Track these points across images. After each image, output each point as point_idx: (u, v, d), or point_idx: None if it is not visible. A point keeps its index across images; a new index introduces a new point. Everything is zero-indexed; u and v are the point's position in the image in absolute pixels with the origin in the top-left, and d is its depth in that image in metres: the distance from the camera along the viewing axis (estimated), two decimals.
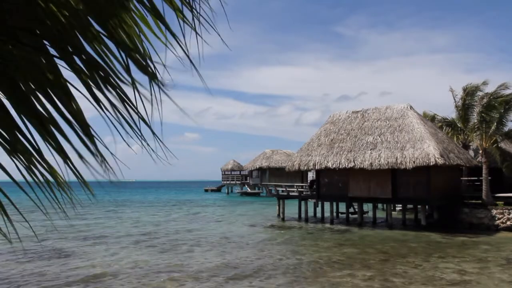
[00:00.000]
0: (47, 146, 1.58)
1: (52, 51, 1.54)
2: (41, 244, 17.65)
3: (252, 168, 62.08)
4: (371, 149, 23.98)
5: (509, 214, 21.81)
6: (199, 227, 24.12)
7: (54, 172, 1.61)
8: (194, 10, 1.56)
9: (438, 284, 11.29)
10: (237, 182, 68.89)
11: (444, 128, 28.75)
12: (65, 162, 1.60)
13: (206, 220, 28.62)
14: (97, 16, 1.54)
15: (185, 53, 1.59)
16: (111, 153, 1.63)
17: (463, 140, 27.67)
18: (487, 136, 23.50)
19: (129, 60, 1.60)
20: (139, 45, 1.60)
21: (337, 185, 25.76)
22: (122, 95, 1.60)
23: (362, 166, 23.52)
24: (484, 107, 23.32)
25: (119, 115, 1.60)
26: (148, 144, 1.62)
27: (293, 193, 29.09)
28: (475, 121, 24.30)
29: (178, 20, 1.56)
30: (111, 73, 1.59)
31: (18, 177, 1.57)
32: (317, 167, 25.68)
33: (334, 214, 27.10)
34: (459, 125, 26.97)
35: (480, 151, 24.30)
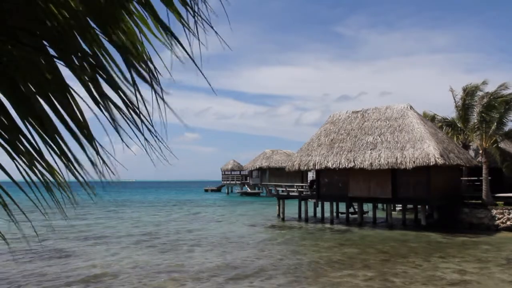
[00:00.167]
0: (47, 147, 1.58)
1: (52, 52, 1.54)
2: (42, 244, 17.65)
3: (252, 168, 62.09)
4: (371, 149, 23.98)
5: (509, 214, 21.81)
6: (199, 227, 24.12)
7: (55, 172, 1.61)
8: (194, 11, 1.56)
9: (438, 284, 11.29)
10: (237, 182, 68.90)
11: (444, 128, 28.75)
12: (66, 162, 1.60)
13: (206, 220, 28.63)
14: (96, 18, 1.54)
15: (188, 54, 1.59)
16: (110, 154, 1.63)
17: (463, 140, 27.67)
18: (487, 136, 23.50)
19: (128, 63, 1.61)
20: (139, 46, 1.60)
21: (337, 185, 25.77)
22: (124, 97, 1.60)
23: (362, 166, 23.53)
24: (484, 107, 23.33)
25: (120, 116, 1.61)
26: (152, 146, 1.62)
27: (293, 193, 29.09)
28: (475, 121, 24.30)
29: (183, 20, 1.56)
30: (112, 74, 1.59)
31: (18, 177, 1.57)
32: (317, 167, 25.69)
33: (334, 214, 27.10)
34: (459, 125, 26.97)
35: (480, 151, 24.30)
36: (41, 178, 1.59)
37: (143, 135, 1.62)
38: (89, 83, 1.59)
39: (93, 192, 1.65)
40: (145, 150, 1.63)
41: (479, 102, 24.10)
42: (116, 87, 1.58)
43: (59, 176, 1.62)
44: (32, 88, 1.53)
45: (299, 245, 18.49)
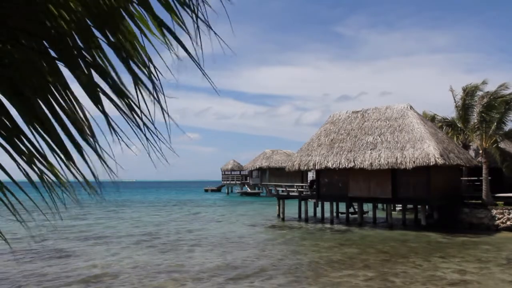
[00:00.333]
0: (48, 147, 1.59)
1: (52, 52, 1.55)
2: (42, 244, 17.66)
3: (252, 168, 62.09)
4: (371, 149, 23.99)
5: (509, 214, 21.81)
6: (199, 227, 24.13)
7: (56, 172, 1.62)
8: (196, 14, 1.57)
9: (439, 284, 11.30)
10: (237, 182, 68.90)
11: (444, 128, 28.75)
12: (67, 162, 1.61)
13: (206, 220, 28.64)
14: (96, 19, 1.55)
15: (191, 56, 1.60)
16: (109, 155, 1.64)
17: (463, 140, 27.67)
18: (487, 136, 23.50)
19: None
20: (138, 47, 1.61)
21: (337, 185, 25.77)
22: (125, 97, 1.61)
23: (362, 166, 23.53)
24: (484, 107, 23.33)
25: (120, 116, 1.62)
26: (153, 146, 1.63)
27: (293, 193, 29.09)
28: (475, 121, 24.31)
29: (182, 24, 1.57)
30: (113, 75, 1.60)
31: (18, 177, 1.58)
32: (317, 167, 25.69)
33: (334, 214, 27.11)
34: (459, 125, 26.97)
35: (480, 151, 24.30)
36: (44, 178, 1.60)
37: (144, 135, 1.63)
38: (90, 84, 1.60)
39: (95, 192, 1.66)
40: (147, 150, 1.64)
41: (479, 102, 24.11)
42: (117, 88, 1.59)
43: (61, 176, 1.63)
44: (33, 89, 1.54)
45: (299, 245, 18.50)
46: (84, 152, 1.61)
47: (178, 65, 1.58)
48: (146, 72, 1.61)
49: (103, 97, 1.61)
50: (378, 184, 23.98)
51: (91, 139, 1.62)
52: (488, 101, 23.28)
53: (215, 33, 1.59)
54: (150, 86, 1.61)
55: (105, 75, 1.59)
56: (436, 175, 22.74)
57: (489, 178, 23.58)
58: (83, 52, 1.57)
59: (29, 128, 1.55)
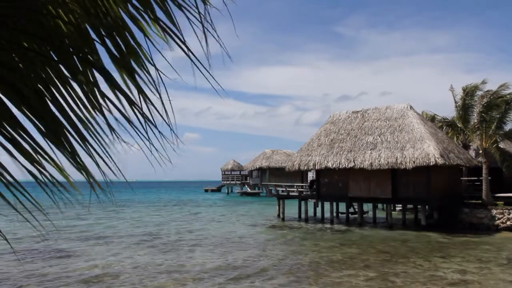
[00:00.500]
0: (51, 147, 1.61)
1: (51, 54, 1.57)
2: (43, 244, 17.68)
3: (252, 168, 62.09)
4: (371, 149, 24.01)
5: (509, 214, 21.83)
6: (200, 227, 24.15)
7: (63, 171, 1.63)
8: (201, 15, 1.59)
9: (439, 284, 11.32)
10: (237, 182, 68.89)
11: (444, 128, 28.76)
12: (74, 163, 1.63)
13: (207, 220, 28.65)
14: (96, 19, 1.56)
15: (189, 57, 1.62)
16: (108, 156, 1.66)
17: (463, 140, 27.68)
18: (487, 136, 23.52)
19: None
20: (137, 48, 1.62)
21: (337, 185, 25.79)
22: (127, 98, 1.63)
23: (362, 166, 23.55)
24: (484, 107, 23.35)
25: (120, 117, 1.64)
26: (158, 148, 1.65)
27: (293, 193, 29.11)
28: (475, 121, 24.33)
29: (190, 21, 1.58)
30: (114, 75, 1.62)
31: (19, 177, 1.59)
32: (317, 167, 25.71)
33: (334, 214, 27.13)
34: (459, 125, 26.98)
35: (480, 151, 24.32)
36: (45, 178, 1.61)
37: (147, 135, 1.65)
38: (89, 85, 1.62)
39: (104, 192, 1.68)
40: (149, 149, 1.66)
41: (479, 102, 24.13)
42: (119, 89, 1.61)
43: (68, 176, 1.65)
44: (34, 89, 1.55)
45: (300, 245, 18.52)
46: (88, 152, 1.63)
47: (178, 65, 1.60)
48: (146, 73, 1.63)
49: (102, 98, 1.63)
50: (378, 184, 24.00)
51: (89, 140, 1.63)
52: (488, 101, 23.29)
53: (218, 37, 1.61)
54: (151, 87, 1.63)
55: (107, 76, 1.61)
56: (436, 175, 22.76)
57: (489, 178, 23.60)
58: (83, 52, 1.59)
59: (36, 128, 1.57)
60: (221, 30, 1.61)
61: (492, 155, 24.28)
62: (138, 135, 1.64)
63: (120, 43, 1.60)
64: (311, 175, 39.14)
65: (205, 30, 1.57)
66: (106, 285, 11.41)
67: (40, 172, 1.58)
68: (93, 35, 1.57)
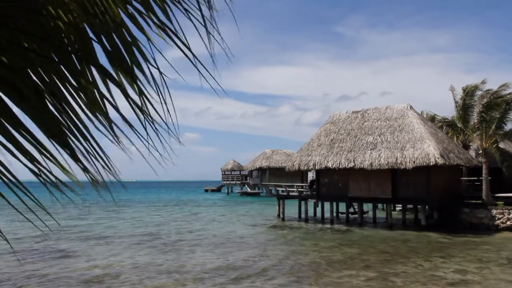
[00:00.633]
0: (54, 147, 1.61)
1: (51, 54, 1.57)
2: (43, 244, 17.68)
3: (252, 168, 62.11)
4: (371, 149, 24.01)
5: (509, 214, 21.84)
6: (200, 228, 24.15)
7: (65, 170, 1.63)
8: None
9: (439, 284, 11.32)
10: (237, 182, 68.91)
11: (444, 128, 28.77)
12: (79, 164, 1.63)
13: (207, 220, 28.66)
14: (95, 20, 1.57)
15: (189, 59, 1.62)
16: (105, 157, 1.66)
17: (463, 140, 27.69)
18: (487, 136, 23.53)
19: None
20: (136, 50, 1.62)
21: (337, 185, 25.79)
22: (128, 99, 1.63)
23: (362, 166, 23.56)
24: (484, 107, 23.36)
25: (120, 117, 1.64)
26: (160, 149, 1.65)
27: (293, 193, 29.11)
28: (475, 121, 24.33)
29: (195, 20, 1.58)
30: (115, 76, 1.62)
31: (20, 177, 1.59)
32: (317, 167, 25.71)
33: (334, 214, 27.13)
34: (459, 125, 27.00)
35: (480, 151, 24.33)
36: (46, 178, 1.61)
37: (147, 136, 1.65)
38: (89, 85, 1.62)
39: (106, 191, 1.68)
40: (154, 148, 1.66)
41: (479, 102, 24.14)
42: (119, 89, 1.61)
43: (72, 176, 1.65)
44: (34, 89, 1.55)
45: (300, 245, 18.53)
46: (88, 152, 1.63)
47: (178, 65, 1.61)
48: (148, 72, 1.63)
49: (102, 98, 1.63)
50: (378, 184, 24.00)
51: (91, 139, 1.64)
52: (488, 101, 23.30)
53: (220, 38, 1.61)
54: (151, 87, 1.64)
55: (107, 77, 1.61)
56: (436, 175, 22.76)
57: (489, 178, 23.60)
58: (83, 52, 1.59)
59: (37, 127, 1.57)
60: (221, 30, 1.61)
61: (492, 155, 24.29)
62: (137, 135, 1.64)
63: (119, 43, 1.60)
64: (311, 175, 39.15)
65: (210, 35, 1.57)
66: (107, 285, 11.41)
67: (40, 171, 1.58)
68: (91, 35, 1.58)
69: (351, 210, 27.86)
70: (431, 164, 21.40)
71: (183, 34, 1.60)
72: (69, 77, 1.59)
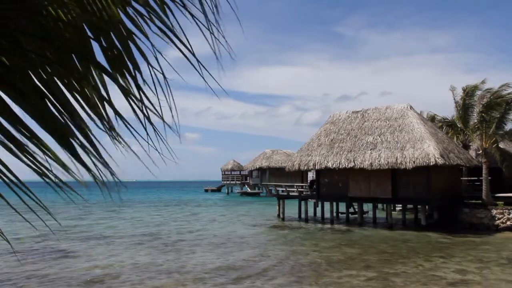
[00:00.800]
0: (59, 147, 1.61)
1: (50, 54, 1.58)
2: (43, 244, 17.68)
3: (252, 168, 62.10)
4: (371, 149, 24.01)
5: (509, 214, 21.84)
6: (200, 228, 24.15)
7: (67, 169, 1.64)
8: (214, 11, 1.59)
9: (439, 284, 11.33)
10: (237, 182, 68.90)
11: (444, 128, 28.77)
12: (77, 161, 1.63)
13: (207, 220, 28.66)
14: (95, 20, 1.57)
15: (189, 61, 1.62)
16: (106, 156, 1.66)
17: (463, 140, 27.69)
18: (487, 136, 23.52)
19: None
20: (135, 50, 1.63)
21: (337, 185, 25.79)
22: (129, 99, 1.64)
23: (362, 166, 23.56)
24: (484, 107, 23.36)
25: (120, 118, 1.64)
26: (159, 149, 1.66)
27: (293, 193, 29.11)
28: (475, 121, 24.33)
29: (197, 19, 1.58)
30: (115, 76, 1.62)
31: (21, 177, 1.59)
32: (317, 167, 25.71)
33: (334, 214, 27.13)
34: (459, 125, 27.00)
35: (480, 151, 24.32)
36: (46, 178, 1.61)
37: (147, 136, 1.65)
38: (89, 85, 1.62)
39: (112, 191, 1.68)
40: (154, 148, 1.67)
41: (479, 102, 24.13)
42: (120, 89, 1.62)
43: (76, 177, 1.65)
44: (34, 89, 1.56)
45: (300, 245, 18.53)
46: (88, 152, 1.64)
47: (178, 65, 1.61)
48: (151, 70, 1.63)
49: (101, 99, 1.64)
50: (378, 184, 24.00)
51: (91, 142, 1.64)
52: (488, 101, 23.30)
53: (225, 41, 1.61)
54: (151, 87, 1.64)
55: (106, 75, 1.61)
56: (436, 175, 22.76)
57: (489, 178, 23.60)
58: (83, 52, 1.60)
59: (40, 126, 1.57)
60: (224, 31, 1.61)
61: (492, 155, 24.29)
62: (135, 136, 1.64)
63: (118, 43, 1.60)
64: (311, 175, 39.15)
65: (215, 38, 1.58)
66: (107, 285, 11.41)
67: (41, 171, 1.59)
68: (90, 34, 1.58)
69: (351, 210, 27.86)
70: (431, 164, 21.40)
71: (184, 35, 1.61)
72: (69, 77, 1.59)
